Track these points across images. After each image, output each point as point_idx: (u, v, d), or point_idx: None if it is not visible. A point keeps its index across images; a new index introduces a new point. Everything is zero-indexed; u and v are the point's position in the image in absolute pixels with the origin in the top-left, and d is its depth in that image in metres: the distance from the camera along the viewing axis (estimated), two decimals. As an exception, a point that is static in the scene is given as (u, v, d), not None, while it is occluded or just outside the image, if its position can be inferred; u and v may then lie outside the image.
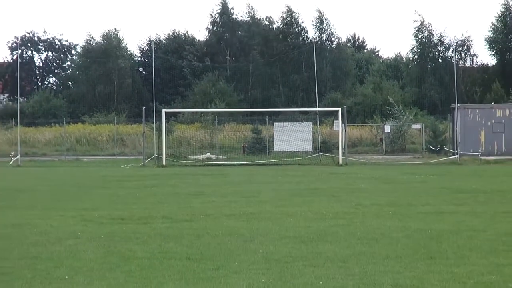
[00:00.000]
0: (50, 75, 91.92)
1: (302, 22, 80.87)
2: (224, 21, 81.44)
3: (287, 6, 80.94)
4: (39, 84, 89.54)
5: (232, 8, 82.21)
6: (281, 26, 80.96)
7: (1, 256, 13.64)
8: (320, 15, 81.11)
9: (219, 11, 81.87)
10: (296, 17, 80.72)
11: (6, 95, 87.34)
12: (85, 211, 21.15)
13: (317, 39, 79.64)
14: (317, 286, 10.72)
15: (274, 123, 56.30)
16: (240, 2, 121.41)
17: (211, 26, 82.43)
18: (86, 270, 12.26)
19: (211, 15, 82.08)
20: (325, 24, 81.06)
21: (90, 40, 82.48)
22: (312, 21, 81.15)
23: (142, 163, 47.20)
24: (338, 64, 79.25)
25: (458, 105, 53.28)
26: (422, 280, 11.09)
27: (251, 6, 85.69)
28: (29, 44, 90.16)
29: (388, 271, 11.84)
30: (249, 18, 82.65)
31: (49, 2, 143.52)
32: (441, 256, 13.27)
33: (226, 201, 24.06)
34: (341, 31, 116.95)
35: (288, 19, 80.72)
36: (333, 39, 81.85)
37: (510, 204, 22.20)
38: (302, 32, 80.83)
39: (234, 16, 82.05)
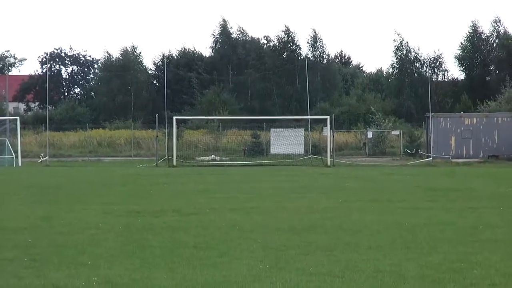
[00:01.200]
0: (75, 87, 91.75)
1: (297, 40, 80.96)
2: (224, 41, 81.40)
3: (286, 26, 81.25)
4: (66, 94, 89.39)
5: (231, 28, 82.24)
6: (277, 44, 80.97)
7: (32, 244, 13.66)
8: (314, 34, 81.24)
9: (220, 32, 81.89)
10: (293, 36, 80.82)
11: (37, 103, 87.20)
12: (105, 205, 21.16)
13: (310, 56, 79.71)
14: (308, 272, 10.74)
15: (271, 129, 56.26)
16: (242, 22, 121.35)
17: (214, 45, 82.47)
18: (106, 256, 12.28)
19: (213, 35, 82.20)
20: (318, 43, 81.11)
21: (109, 56, 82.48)
22: (307, 39, 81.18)
23: (155, 164, 47.16)
24: (327, 77, 79.18)
25: (432, 114, 53.27)
26: (400, 266, 11.11)
27: (246, 28, 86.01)
28: (57, 59, 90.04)
29: (370, 258, 11.86)
30: (246, 37, 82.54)
31: (74, 22, 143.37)
32: (416, 246, 13.29)
33: (228, 197, 24.05)
34: (330, 48, 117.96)
35: (285, 38, 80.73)
36: (324, 56, 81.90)
37: (477, 201, 22.21)
38: (297, 49, 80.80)
39: (232, 36, 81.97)
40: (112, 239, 14.36)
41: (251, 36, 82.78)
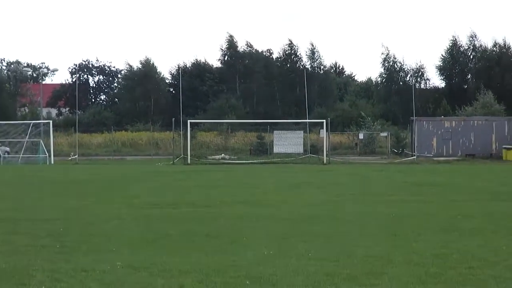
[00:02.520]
0: (101, 94, 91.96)
1: (299, 53, 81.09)
2: (231, 53, 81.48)
3: (289, 40, 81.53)
4: (93, 100, 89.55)
5: (237, 42, 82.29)
6: (282, 56, 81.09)
7: (63, 233, 13.67)
8: (312, 47, 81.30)
9: (227, 45, 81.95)
10: (295, 48, 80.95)
11: (67, 108, 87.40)
12: (128, 198, 21.20)
13: (309, 66, 79.79)
14: (307, 257, 10.73)
15: (274, 131, 56.24)
16: (248, 36, 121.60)
17: (222, 58, 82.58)
18: (129, 244, 12.28)
19: (221, 49, 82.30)
20: (315, 55, 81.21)
21: (130, 67, 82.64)
22: (306, 52, 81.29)
23: (172, 162, 47.22)
24: (323, 85, 79.25)
25: (415, 118, 53.24)
26: (388, 252, 11.10)
27: (252, 42, 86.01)
28: (85, 70, 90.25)
29: (362, 245, 11.84)
30: (252, 50, 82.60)
31: (100, 36, 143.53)
32: (403, 234, 13.27)
33: (236, 192, 24.07)
34: (326, 60, 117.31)
35: (289, 50, 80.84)
36: (321, 66, 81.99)
37: (456, 194, 22.21)
38: (298, 60, 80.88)
39: (239, 49, 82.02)
40: (134, 229, 14.37)
41: (256, 49, 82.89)
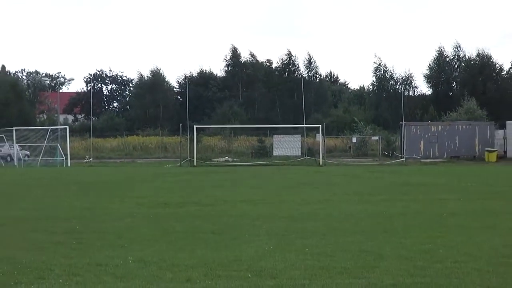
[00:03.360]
0: (114, 101, 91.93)
1: (297, 63, 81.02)
2: (234, 63, 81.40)
3: (288, 50, 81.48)
4: (106, 107, 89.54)
5: (240, 53, 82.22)
6: (281, 65, 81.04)
7: (79, 230, 13.68)
8: (309, 57, 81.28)
9: (231, 56, 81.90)
10: (293, 59, 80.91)
11: (83, 115, 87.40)
12: (139, 198, 21.19)
13: (306, 75, 79.75)
14: (304, 252, 10.74)
15: (273, 135, 56.20)
16: (250, 46, 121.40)
17: (226, 68, 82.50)
18: (140, 240, 12.29)
19: (225, 59, 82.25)
20: (312, 64, 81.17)
21: (141, 77, 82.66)
22: (303, 61, 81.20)
23: (179, 164, 47.20)
24: (319, 93, 79.17)
25: (404, 122, 53.29)
26: (380, 247, 11.10)
27: (254, 52, 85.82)
28: (99, 79, 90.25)
29: (355, 241, 11.86)
30: (253, 60, 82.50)
31: (113, 48, 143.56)
32: (393, 230, 13.28)
33: (239, 191, 24.07)
34: (322, 69, 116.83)
35: (287, 60, 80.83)
36: (317, 75, 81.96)
37: (442, 193, 22.20)
38: (295, 70, 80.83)
39: (241, 60, 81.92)
40: (144, 226, 14.38)
41: (257, 59, 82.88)
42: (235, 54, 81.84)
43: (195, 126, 50.52)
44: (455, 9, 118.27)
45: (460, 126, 53.88)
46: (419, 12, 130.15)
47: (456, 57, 77.64)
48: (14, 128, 52.17)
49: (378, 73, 78.58)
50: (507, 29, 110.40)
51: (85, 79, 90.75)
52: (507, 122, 55.78)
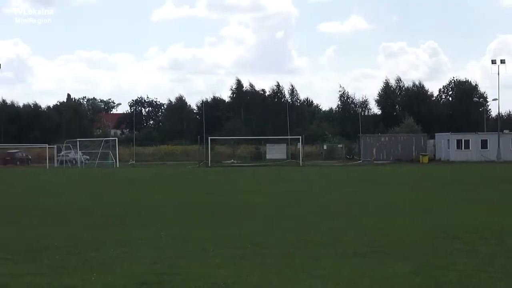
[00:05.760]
0: (150, 120, 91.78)
1: (284, 91, 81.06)
2: (238, 92, 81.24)
3: (277, 82, 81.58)
4: (145, 124, 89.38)
5: (242, 85, 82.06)
6: (271, 93, 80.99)
7: (125, 214, 13.60)
8: (292, 87, 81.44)
9: (236, 86, 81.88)
10: (281, 89, 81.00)
11: (127, 130, 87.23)
12: (168, 190, 21.17)
13: (290, 100, 79.72)
14: (289, 230, 10.69)
15: (267, 144, 56.40)
16: (250, 79, 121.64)
17: (232, 94, 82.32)
18: (169, 221, 12.24)
19: (231, 89, 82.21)
20: (294, 92, 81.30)
21: (170, 102, 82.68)
22: (288, 90, 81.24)
23: (198, 165, 47.15)
24: (299, 113, 79.08)
25: (361, 134, 53.41)
26: (344, 226, 11.06)
27: (253, 83, 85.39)
28: (139, 103, 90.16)
29: (325, 221, 11.81)
30: (251, 88, 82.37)
31: (150, 82, 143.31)
32: (352, 214, 13.24)
33: (241, 185, 24.04)
34: (302, 95, 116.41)
35: (276, 89, 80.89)
36: (298, 100, 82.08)
37: (389, 186, 22.17)
38: (282, 96, 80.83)
39: (243, 89, 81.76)
40: (172, 211, 14.35)
41: (254, 89, 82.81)
42: (239, 85, 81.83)
43: (209, 138, 50.47)
44: (398, 53, 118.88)
45: (401, 137, 54.01)
46: (371, 56, 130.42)
47: (398, 87, 77.89)
48: (77, 139, 52.30)
49: (342, 99, 78.75)
50: (434, 66, 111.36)
51: (129, 104, 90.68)
52: (436, 134, 55.96)
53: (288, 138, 57.26)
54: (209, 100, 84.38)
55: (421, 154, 50.80)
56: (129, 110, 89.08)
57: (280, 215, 13.00)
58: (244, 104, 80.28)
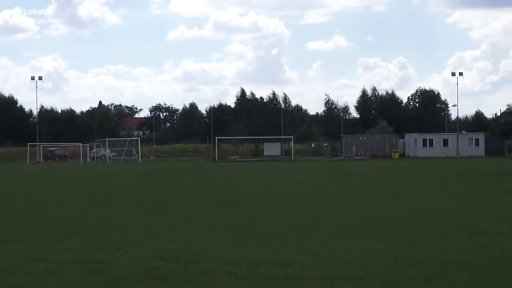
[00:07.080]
0: (167, 122, 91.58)
1: (279, 99, 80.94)
2: (242, 99, 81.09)
3: (273, 91, 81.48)
4: (162, 126, 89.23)
5: (245, 93, 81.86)
6: (268, 100, 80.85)
7: (147, 201, 13.59)
8: (285, 95, 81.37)
9: (240, 94, 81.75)
10: (276, 97, 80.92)
11: (148, 131, 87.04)
12: (182, 180, 21.13)
13: (283, 106, 79.61)
14: (284, 215, 10.69)
15: (264, 143, 56.46)
16: (251, 89, 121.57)
17: (236, 101, 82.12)
18: (183, 206, 12.21)
19: (236, 97, 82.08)
20: (287, 99, 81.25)
21: (184, 107, 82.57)
22: (282, 98, 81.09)
23: (207, 160, 47.08)
24: (292, 117, 78.97)
25: (343, 135, 53.41)
26: (327, 212, 11.05)
27: (254, 92, 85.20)
28: (158, 109, 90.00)
29: (313, 208, 11.79)
30: (252, 96, 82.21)
31: (167, 91, 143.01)
32: (334, 202, 13.24)
33: (243, 177, 24.01)
34: (293, 102, 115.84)
35: (272, 97, 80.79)
36: (290, 107, 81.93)
37: (366, 178, 22.12)
38: (277, 103, 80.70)
39: (246, 97, 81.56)
40: (186, 197, 14.34)
41: (255, 97, 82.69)
42: (243, 93, 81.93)
43: (216, 138, 50.47)
44: (374, 67, 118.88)
45: (376, 137, 54.06)
46: (350, 69, 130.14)
47: (373, 95, 77.89)
48: (106, 139, 52.39)
49: (327, 105, 78.76)
50: (404, 77, 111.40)
51: (149, 109, 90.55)
52: (405, 134, 55.95)
53: (282, 138, 57.26)
54: (216, 106, 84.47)
55: (393, 151, 50.86)
56: (149, 115, 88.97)
57: (275, 203, 13.00)
58: (246, 110, 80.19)
